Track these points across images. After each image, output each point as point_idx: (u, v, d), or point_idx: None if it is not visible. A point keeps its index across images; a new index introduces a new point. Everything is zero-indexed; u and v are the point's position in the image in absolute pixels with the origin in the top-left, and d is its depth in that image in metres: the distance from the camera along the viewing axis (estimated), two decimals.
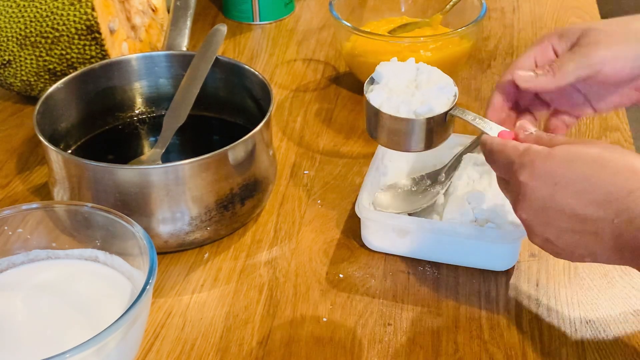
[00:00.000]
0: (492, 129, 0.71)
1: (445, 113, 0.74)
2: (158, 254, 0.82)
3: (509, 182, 0.66)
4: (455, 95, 0.76)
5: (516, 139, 0.69)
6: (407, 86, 0.78)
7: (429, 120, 0.74)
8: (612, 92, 0.74)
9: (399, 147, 0.77)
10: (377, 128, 0.77)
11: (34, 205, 0.70)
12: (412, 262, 0.81)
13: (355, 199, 0.83)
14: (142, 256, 0.66)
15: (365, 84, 0.79)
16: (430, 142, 0.76)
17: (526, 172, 0.62)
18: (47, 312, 0.66)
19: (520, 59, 0.75)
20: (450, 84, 0.76)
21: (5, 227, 0.69)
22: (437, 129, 0.75)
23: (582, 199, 0.59)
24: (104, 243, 0.70)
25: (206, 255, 0.83)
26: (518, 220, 0.79)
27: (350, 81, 1.11)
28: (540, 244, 0.65)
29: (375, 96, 0.77)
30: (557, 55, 0.74)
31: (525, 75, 0.73)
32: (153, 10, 1.08)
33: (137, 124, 0.96)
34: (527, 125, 0.70)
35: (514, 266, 0.81)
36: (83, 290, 0.69)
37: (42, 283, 0.69)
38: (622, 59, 0.71)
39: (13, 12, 0.96)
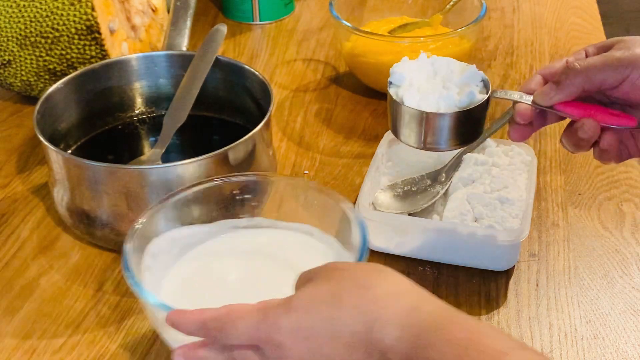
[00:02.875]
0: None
1: (488, 98, 0.71)
2: None
3: (262, 349, 0.56)
4: (484, 79, 0.73)
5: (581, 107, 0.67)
6: (432, 82, 0.75)
7: (475, 109, 0.71)
8: None
9: (448, 145, 0.73)
10: (420, 131, 0.72)
11: (273, 178, 0.77)
12: (412, 262, 0.81)
13: (355, 199, 0.83)
14: (353, 241, 0.67)
15: (388, 89, 0.74)
16: (479, 131, 0.73)
17: (278, 334, 0.55)
18: (262, 272, 0.70)
19: (553, 62, 0.72)
20: (473, 68, 0.74)
21: (235, 191, 0.74)
22: (481, 116, 0.72)
23: (336, 345, 0.54)
24: (321, 221, 0.72)
25: None
26: (517, 221, 0.79)
27: (350, 81, 1.11)
28: None
29: (410, 98, 0.72)
30: None
31: (545, 92, 0.69)
32: (153, 10, 1.08)
33: (137, 124, 0.96)
34: None
35: (514, 266, 0.81)
36: (293, 257, 0.71)
37: (258, 247, 0.73)
38: None
39: (13, 12, 0.96)
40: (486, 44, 1.20)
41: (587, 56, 0.71)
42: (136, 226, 0.68)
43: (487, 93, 0.72)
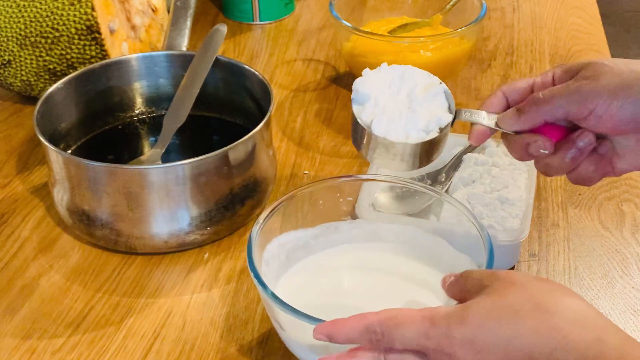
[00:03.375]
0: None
1: (453, 119, 0.71)
2: (158, 254, 0.83)
3: (428, 356, 0.56)
4: (447, 93, 0.72)
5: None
6: (397, 100, 0.73)
7: (441, 134, 0.70)
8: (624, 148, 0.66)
9: (412, 168, 0.73)
10: (386, 157, 0.72)
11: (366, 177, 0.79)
12: None
13: (355, 200, 0.83)
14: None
15: (352, 107, 0.72)
16: (442, 149, 0.73)
17: (449, 344, 0.54)
18: (373, 283, 0.72)
19: (517, 81, 0.69)
20: (436, 83, 0.72)
21: (337, 194, 0.76)
22: (446, 136, 0.72)
23: None
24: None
25: (206, 255, 0.83)
26: (517, 221, 0.79)
27: (350, 81, 1.10)
28: None
29: (378, 125, 0.71)
30: (554, 85, 0.67)
31: (507, 120, 0.67)
32: (153, 10, 1.08)
33: (137, 124, 0.96)
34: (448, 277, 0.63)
35: (514, 266, 0.81)
36: (403, 269, 0.73)
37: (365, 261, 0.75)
38: (618, 101, 0.62)
39: (13, 12, 0.96)
40: (486, 44, 1.20)
41: (553, 79, 0.68)
42: (254, 235, 0.68)
43: (449, 107, 0.71)
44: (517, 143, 0.68)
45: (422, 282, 0.71)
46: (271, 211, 0.70)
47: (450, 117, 0.71)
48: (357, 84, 0.73)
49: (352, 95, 0.73)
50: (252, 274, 0.65)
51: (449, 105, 0.72)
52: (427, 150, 0.71)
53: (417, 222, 0.80)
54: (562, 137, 0.67)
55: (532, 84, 0.68)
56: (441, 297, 0.69)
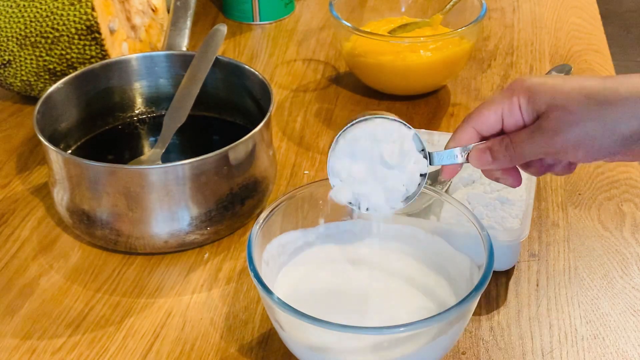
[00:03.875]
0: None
1: (426, 173, 0.69)
2: (158, 254, 0.83)
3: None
4: (416, 137, 0.69)
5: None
6: (372, 169, 0.69)
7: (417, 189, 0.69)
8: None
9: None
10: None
11: None
12: None
13: None
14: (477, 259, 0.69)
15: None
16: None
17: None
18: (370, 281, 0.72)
19: (485, 112, 0.65)
20: (407, 134, 0.68)
21: None
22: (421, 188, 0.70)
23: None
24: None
25: (206, 255, 0.83)
26: (517, 221, 0.79)
27: (350, 81, 1.11)
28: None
29: (362, 208, 0.70)
30: (522, 118, 0.64)
31: (478, 158, 0.66)
32: (153, 10, 1.08)
33: (137, 124, 0.96)
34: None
35: (514, 266, 0.81)
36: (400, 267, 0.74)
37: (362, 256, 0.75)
38: (589, 142, 0.61)
39: (13, 12, 0.96)
40: (486, 44, 1.20)
41: (521, 113, 0.64)
42: (253, 235, 0.68)
43: (422, 150, 0.68)
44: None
45: (420, 283, 0.71)
46: (271, 211, 0.70)
47: (425, 167, 0.69)
48: (333, 194, 0.70)
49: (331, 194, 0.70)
50: (252, 274, 0.65)
51: (423, 148, 0.69)
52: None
53: (417, 222, 0.80)
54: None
55: (501, 116, 0.65)
56: (436, 299, 0.69)
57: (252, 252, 0.66)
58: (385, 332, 0.61)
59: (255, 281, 0.64)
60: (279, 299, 0.62)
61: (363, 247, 0.75)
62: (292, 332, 0.65)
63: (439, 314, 0.61)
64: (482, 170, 0.69)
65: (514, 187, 0.68)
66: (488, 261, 0.66)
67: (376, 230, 0.75)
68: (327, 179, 0.70)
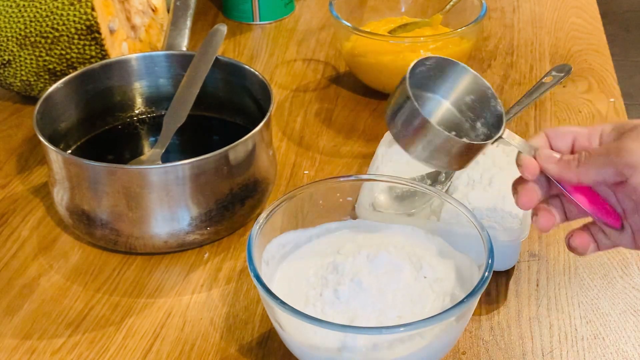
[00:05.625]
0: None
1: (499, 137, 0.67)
2: (158, 254, 0.83)
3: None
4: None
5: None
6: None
7: (481, 145, 0.67)
8: None
9: (438, 165, 0.69)
10: (421, 143, 0.66)
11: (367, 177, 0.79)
12: None
13: (355, 200, 0.83)
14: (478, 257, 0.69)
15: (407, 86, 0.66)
16: (472, 161, 0.69)
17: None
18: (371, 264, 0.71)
19: (562, 127, 0.64)
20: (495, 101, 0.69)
21: (337, 194, 0.76)
22: (483, 149, 0.68)
23: None
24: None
25: (206, 255, 0.83)
26: (517, 221, 0.79)
27: (350, 81, 1.11)
28: None
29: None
30: (600, 141, 0.63)
31: (548, 155, 0.62)
32: (153, 10, 1.08)
33: (137, 124, 0.96)
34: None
35: (514, 266, 0.81)
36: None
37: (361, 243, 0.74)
38: None
39: (13, 12, 0.96)
40: (486, 44, 1.20)
41: (601, 137, 0.63)
42: (253, 235, 0.68)
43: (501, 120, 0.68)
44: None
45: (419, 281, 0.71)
46: (271, 211, 0.70)
47: (498, 133, 0.67)
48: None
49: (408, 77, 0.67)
50: (252, 274, 0.65)
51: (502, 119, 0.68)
52: (469, 154, 0.67)
53: (417, 221, 0.80)
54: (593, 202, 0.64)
55: (576, 134, 0.64)
56: (432, 292, 0.69)
57: (252, 252, 0.66)
58: (385, 332, 0.61)
59: (255, 281, 0.64)
60: (279, 299, 0.62)
61: (362, 239, 0.74)
62: (292, 332, 0.65)
63: (440, 313, 0.61)
64: (524, 200, 0.65)
65: (544, 229, 0.65)
66: (488, 261, 0.66)
67: (376, 228, 0.75)
68: (327, 179, 0.72)
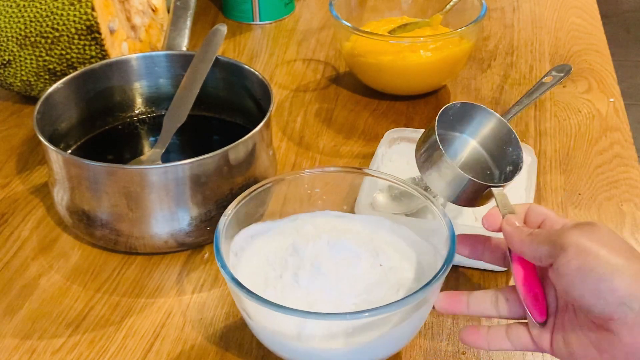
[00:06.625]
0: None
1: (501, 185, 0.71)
2: (158, 254, 0.83)
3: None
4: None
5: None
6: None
7: (487, 189, 0.70)
8: None
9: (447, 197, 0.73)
10: (457, 192, 0.71)
11: (334, 169, 0.78)
12: None
13: (355, 200, 0.83)
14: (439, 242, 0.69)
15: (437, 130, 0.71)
16: (476, 204, 0.72)
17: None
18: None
19: (539, 208, 0.66)
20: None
21: (305, 186, 0.76)
22: (490, 197, 0.71)
23: None
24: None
25: (206, 255, 0.83)
26: None
27: (350, 81, 1.11)
28: None
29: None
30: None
31: (511, 219, 0.65)
32: (153, 10, 1.08)
33: (137, 124, 0.96)
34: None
35: None
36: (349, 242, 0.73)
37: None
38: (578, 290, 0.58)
39: (13, 12, 0.96)
40: (486, 44, 1.20)
41: (563, 225, 0.64)
42: (221, 226, 0.68)
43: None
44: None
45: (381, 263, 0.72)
46: (239, 203, 0.71)
47: (501, 183, 0.72)
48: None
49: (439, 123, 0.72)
50: (218, 264, 0.65)
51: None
52: (475, 195, 0.71)
53: (416, 222, 0.80)
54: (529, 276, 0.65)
55: (546, 216, 0.65)
56: (386, 281, 0.69)
57: (220, 243, 0.66)
58: (349, 318, 0.61)
59: (222, 271, 0.64)
60: (243, 285, 0.62)
61: (323, 227, 0.74)
62: (258, 319, 0.65)
63: (403, 298, 0.61)
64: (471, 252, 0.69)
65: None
66: (450, 248, 0.66)
67: (341, 217, 0.76)
68: (295, 172, 0.75)
